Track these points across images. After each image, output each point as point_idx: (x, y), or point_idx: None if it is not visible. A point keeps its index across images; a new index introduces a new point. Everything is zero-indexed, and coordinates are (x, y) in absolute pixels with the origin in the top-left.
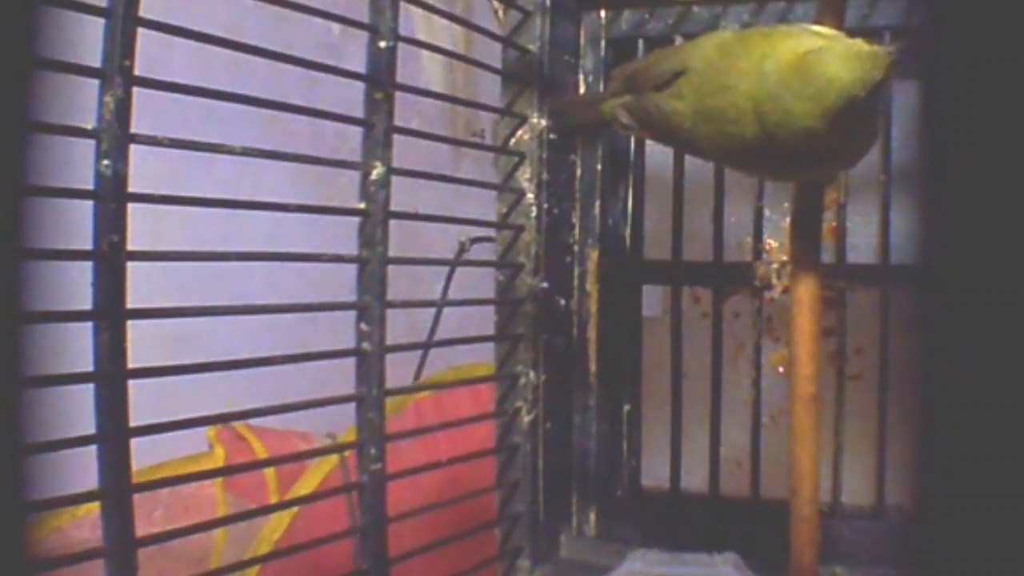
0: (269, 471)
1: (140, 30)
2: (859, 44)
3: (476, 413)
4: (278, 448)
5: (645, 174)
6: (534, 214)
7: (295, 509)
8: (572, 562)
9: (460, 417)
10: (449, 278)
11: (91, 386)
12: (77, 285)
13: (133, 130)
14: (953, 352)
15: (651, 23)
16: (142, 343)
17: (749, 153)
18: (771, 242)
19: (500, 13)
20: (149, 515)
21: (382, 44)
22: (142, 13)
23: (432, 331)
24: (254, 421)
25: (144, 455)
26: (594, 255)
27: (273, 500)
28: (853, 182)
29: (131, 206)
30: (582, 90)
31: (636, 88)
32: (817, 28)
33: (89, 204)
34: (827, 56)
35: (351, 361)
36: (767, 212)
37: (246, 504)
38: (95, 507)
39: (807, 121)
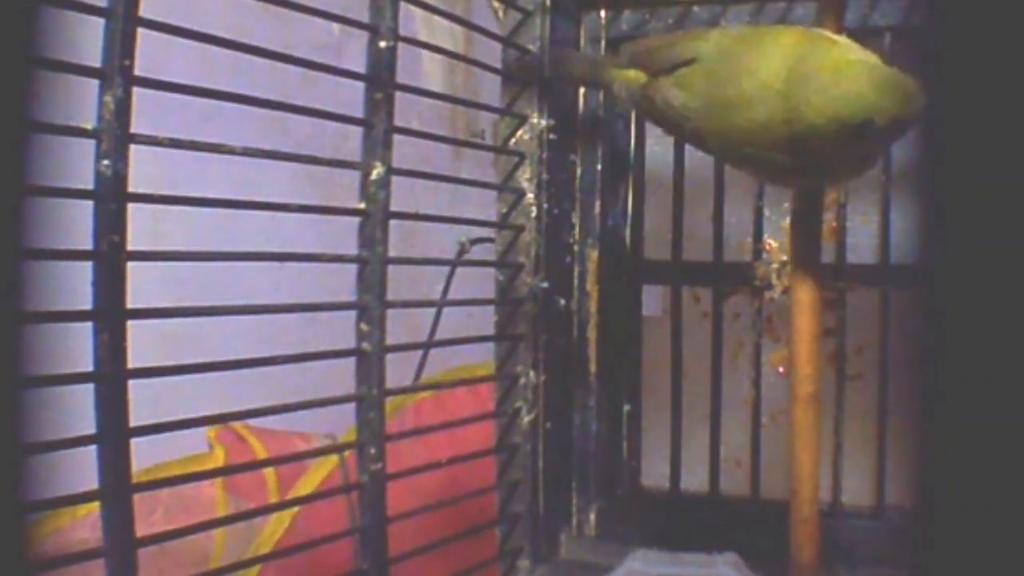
0: (269, 472)
1: (140, 30)
2: (903, 77)
3: (476, 413)
4: (278, 449)
5: (645, 174)
6: (534, 214)
7: (295, 509)
8: (572, 562)
9: (461, 418)
10: (449, 278)
11: (91, 386)
12: (77, 285)
13: (133, 130)
14: (953, 352)
15: (651, 23)
16: (142, 343)
17: (756, 144)
18: (771, 242)
19: (500, 13)
20: (149, 516)
21: (382, 44)
22: (142, 13)
23: (432, 331)
24: (254, 422)
25: (144, 456)
26: (594, 255)
27: (273, 501)
28: (853, 182)
29: (131, 206)
30: (582, 90)
31: (644, 68)
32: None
33: (89, 204)
34: (865, 71)
35: (351, 361)
36: (767, 212)
37: (246, 505)
38: (95, 508)
39: (818, 120)
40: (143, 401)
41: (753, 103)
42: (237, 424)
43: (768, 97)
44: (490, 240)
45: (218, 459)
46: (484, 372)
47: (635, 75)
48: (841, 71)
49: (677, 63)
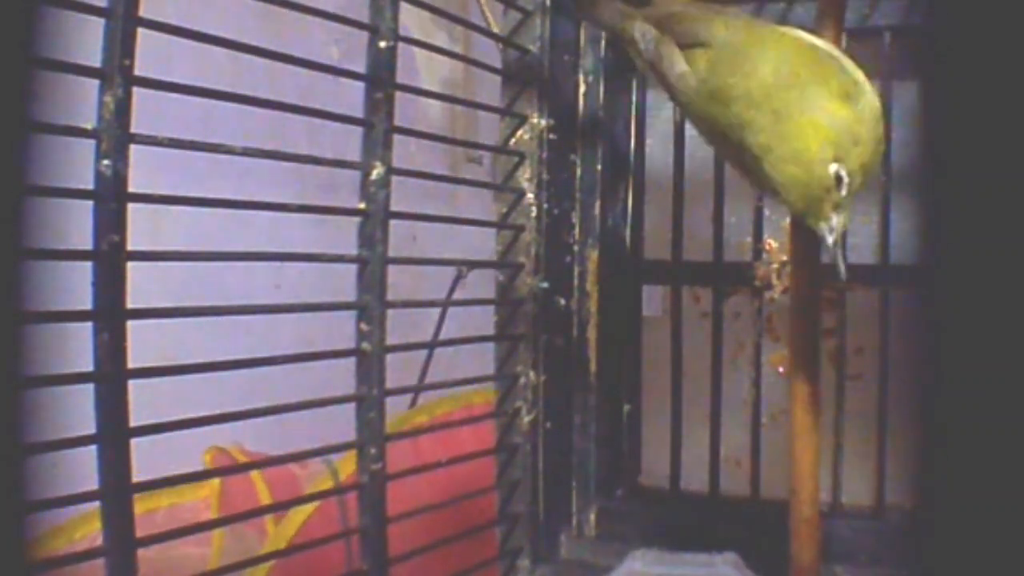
0: (264, 495)
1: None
2: (876, 141)
3: (475, 442)
4: (274, 473)
5: (645, 174)
6: (534, 214)
7: (291, 532)
8: (572, 562)
9: (459, 445)
10: (449, 296)
11: (91, 386)
12: (77, 285)
13: (133, 130)
14: (953, 352)
15: None
16: (142, 345)
17: (735, 141)
18: (771, 242)
19: (490, 20)
20: None
21: (382, 44)
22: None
23: (436, 333)
24: (250, 447)
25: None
26: (594, 255)
27: (269, 523)
28: None
29: (131, 206)
30: (582, 90)
31: (661, 30)
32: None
33: (89, 204)
34: (832, 136)
35: (351, 369)
36: (767, 212)
37: (242, 528)
38: (91, 530)
39: (782, 169)
40: (137, 418)
41: (739, 103)
42: (233, 449)
43: (752, 110)
44: (489, 264)
45: (213, 484)
46: (481, 400)
47: (656, 34)
48: (813, 125)
49: (690, 42)
